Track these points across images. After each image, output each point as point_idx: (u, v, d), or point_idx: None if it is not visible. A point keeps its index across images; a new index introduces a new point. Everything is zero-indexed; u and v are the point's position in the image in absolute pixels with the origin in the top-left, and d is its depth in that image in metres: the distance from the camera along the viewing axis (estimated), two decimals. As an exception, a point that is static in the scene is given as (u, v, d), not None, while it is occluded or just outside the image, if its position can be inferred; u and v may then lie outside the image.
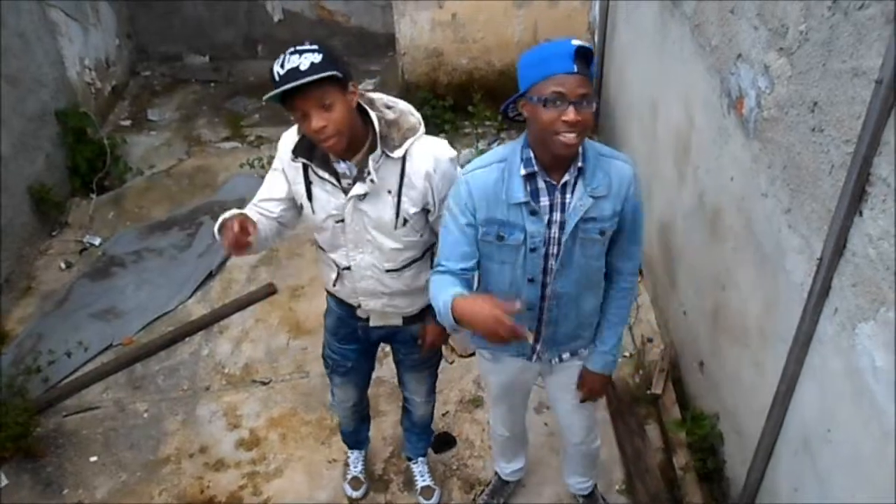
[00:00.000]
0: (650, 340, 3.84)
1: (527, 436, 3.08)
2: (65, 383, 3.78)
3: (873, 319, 1.87)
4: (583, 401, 2.55)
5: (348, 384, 2.93)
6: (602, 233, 2.15)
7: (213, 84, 6.34)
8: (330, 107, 2.05)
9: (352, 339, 2.73)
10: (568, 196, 2.10)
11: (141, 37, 6.54)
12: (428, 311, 2.51)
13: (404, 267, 2.42)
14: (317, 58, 2.00)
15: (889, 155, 1.76)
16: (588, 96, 1.92)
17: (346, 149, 2.16)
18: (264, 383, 3.78)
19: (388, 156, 2.20)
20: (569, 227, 2.11)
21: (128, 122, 5.88)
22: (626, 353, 3.81)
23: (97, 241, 4.69)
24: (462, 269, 2.17)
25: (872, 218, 1.84)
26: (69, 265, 4.54)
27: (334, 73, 2.01)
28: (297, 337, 4.00)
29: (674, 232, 3.51)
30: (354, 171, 2.23)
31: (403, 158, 2.22)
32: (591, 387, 2.50)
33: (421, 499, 3.21)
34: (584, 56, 1.92)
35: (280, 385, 3.77)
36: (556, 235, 2.14)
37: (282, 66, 2.02)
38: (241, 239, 2.10)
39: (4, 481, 3.35)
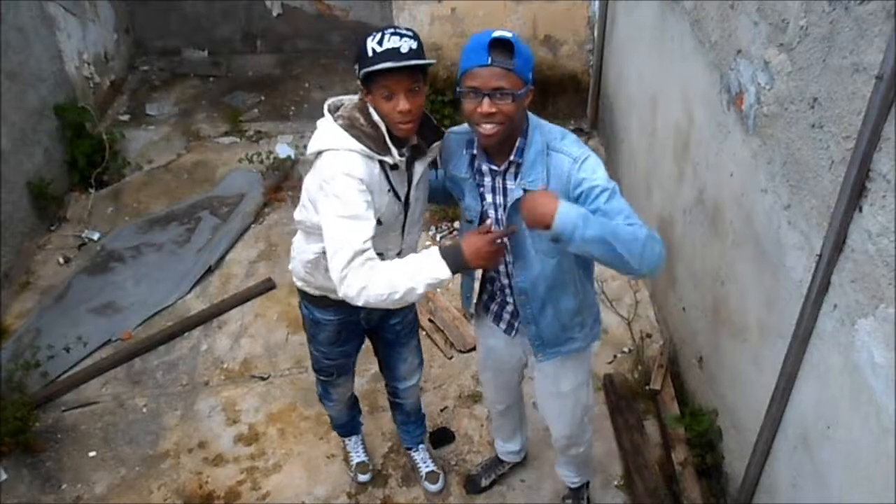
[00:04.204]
0: (649, 336, 3.84)
1: (523, 417, 3.11)
2: (64, 378, 3.78)
3: (872, 315, 1.87)
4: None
5: (348, 380, 2.95)
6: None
7: (211, 79, 6.33)
8: (417, 93, 2.11)
9: (353, 336, 2.73)
10: (508, 182, 2.19)
11: (139, 31, 6.52)
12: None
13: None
14: (414, 44, 2.08)
15: (889, 151, 1.75)
16: (504, 89, 1.97)
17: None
18: (263, 378, 3.78)
19: (441, 132, 2.33)
20: (505, 213, 2.20)
21: (126, 117, 5.86)
22: (625, 349, 3.81)
23: (96, 236, 4.69)
24: None
25: (872, 214, 1.84)
26: (68, 260, 4.53)
27: (432, 61, 2.11)
28: (295, 332, 3.99)
29: (673, 227, 3.51)
30: (406, 154, 2.27)
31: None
32: (531, 205, 2.00)
33: (427, 484, 3.22)
34: (503, 47, 1.96)
35: (279, 380, 3.77)
36: (503, 218, 2.23)
37: (379, 42, 2.06)
38: None
39: (3, 476, 3.35)
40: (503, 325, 2.55)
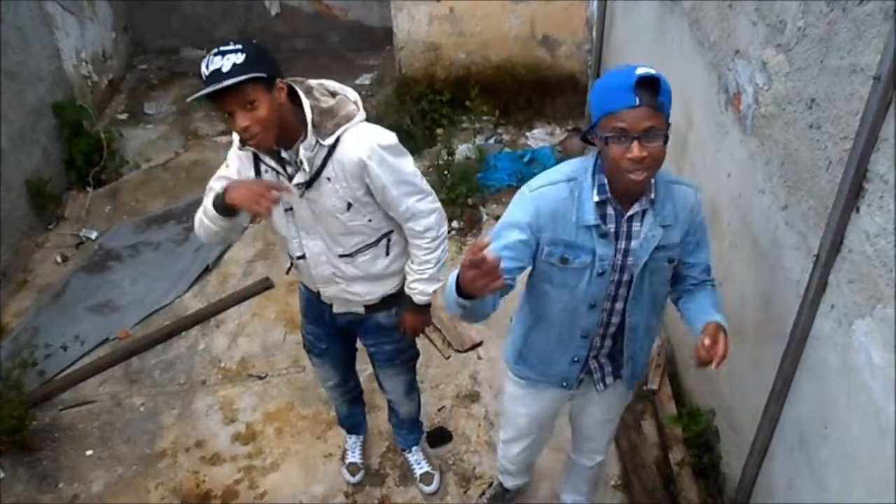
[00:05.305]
0: (647, 336, 3.84)
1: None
2: (61, 377, 3.78)
3: (870, 316, 1.88)
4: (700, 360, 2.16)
5: (325, 364, 2.97)
6: (671, 260, 2.12)
7: (210, 78, 6.33)
8: (254, 106, 2.06)
9: (320, 322, 2.77)
10: (635, 225, 2.04)
11: (138, 30, 6.52)
12: (399, 299, 2.61)
13: (356, 252, 2.44)
14: (239, 58, 2.01)
15: (887, 151, 1.75)
16: (654, 128, 1.82)
17: (280, 140, 2.19)
18: (260, 378, 3.78)
19: (320, 143, 2.21)
20: (642, 259, 2.06)
21: (124, 116, 5.86)
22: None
23: (94, 235, 4.68)
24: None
25: (869, 215, 1.84)
26: (66, 259, 4.53)
27: (255, 75, 2.01)
28: (293, 331, 3.99)
29: (671, 228, 3.51)
30: (294, 159, 2.26)
31: (333, 146, 2.22)
32: (713, 339, 2.12)
33: (422, 486, 3.23)
34: (649, 85, 1.83)
35: (276, 379, 3.77)
36: (621, 262, 2.09)
37: (206, 66, 2.04)
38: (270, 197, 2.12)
39: (0, 475, 3.35)
40: (566, 383, 2.39)
